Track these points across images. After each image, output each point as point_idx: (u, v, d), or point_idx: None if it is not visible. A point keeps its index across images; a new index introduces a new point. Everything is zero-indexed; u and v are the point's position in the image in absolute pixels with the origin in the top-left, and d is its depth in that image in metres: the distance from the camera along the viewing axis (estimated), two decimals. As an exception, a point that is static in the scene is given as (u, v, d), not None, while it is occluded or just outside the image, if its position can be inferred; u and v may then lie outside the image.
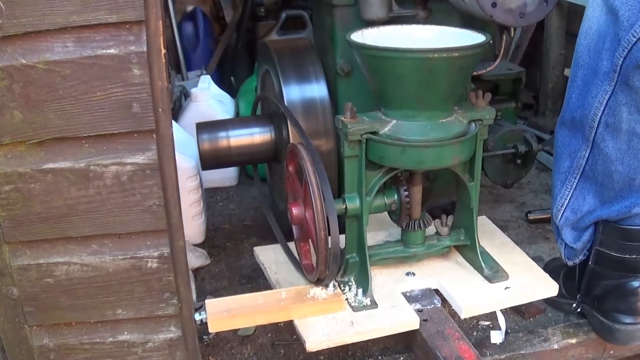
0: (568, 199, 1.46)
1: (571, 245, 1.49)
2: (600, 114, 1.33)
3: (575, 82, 1.40)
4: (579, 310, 1.55)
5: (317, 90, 1.71)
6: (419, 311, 1.43)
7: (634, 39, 1.23)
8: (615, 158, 1.35)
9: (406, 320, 1.39)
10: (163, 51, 1.00)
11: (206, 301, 1.37)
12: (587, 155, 1.40)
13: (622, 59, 1.26)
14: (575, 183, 1.44)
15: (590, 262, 1.48)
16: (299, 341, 1.38)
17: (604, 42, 1.30)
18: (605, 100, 1.31)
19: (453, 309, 1.48)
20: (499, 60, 1.58)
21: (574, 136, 1.42)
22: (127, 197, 1.07)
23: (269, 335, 1.63)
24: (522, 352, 1.47)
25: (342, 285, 1.45)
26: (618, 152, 1.34)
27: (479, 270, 1.52)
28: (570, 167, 1.44)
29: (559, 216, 1.48)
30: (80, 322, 1.17)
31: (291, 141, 1.66)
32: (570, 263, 1.53)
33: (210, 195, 2.33)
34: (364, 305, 1.41)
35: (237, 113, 2.45)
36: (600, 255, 1.46)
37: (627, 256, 1.43)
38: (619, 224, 1.42)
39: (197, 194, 1.95)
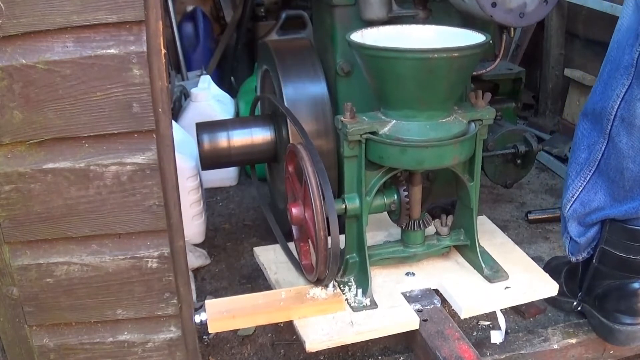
0: (580, 190, 1.46)
1: (575, 239, 1.49)
2: (617, 107, 1.34)
3: (602, 75, 1.41)
4: (579, 309, 1.55)
5: (317, 90, 1.71)
6: (418, 311, 1.43)
7: None
8: (628, 155, 1.35)
9: (406, 320, 1.39)
10: (163, 51, 1.00)
11: (206, 301, 1.37)
12: (603, 149, 1.40)
13: (637, 53, 1.27)
14: (589, 176, 1.44)
15: (594, 261, 1.48)
16: (299, 341, 1.38)
17: (628, 38, 1.31)
18: (622, 94, 1.32)
19: (453, 309, 1.48)
20: (499, 60, 1.58)
21: (594, 128, 1.43)
22: (127, 197, 1.07)
23: (269, 335, 1.63)
24: (522, 352, 1.47)
25: (341, 286, 1.45)
26: (631, 149, 1.34)
27: (479, 270, 1.52)
28: (588, 159, 1.44)
29: (568, 207, 1.48)
30: (80, 322, 1.17)
31: (291, 141, 1.66)
32: (573, 259, 1.53)
33: (210, 195, 2.33)
34: (363, 306, 1.41)
35: (237, 113, 2.45)
36: (605, 253, 1.46)
37: (631, 257, 1.43)
38: (626, 224, 1.42)
39: (197, 194, 1.95)
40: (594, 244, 1.49)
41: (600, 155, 1.41)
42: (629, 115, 1.33)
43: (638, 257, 1.42)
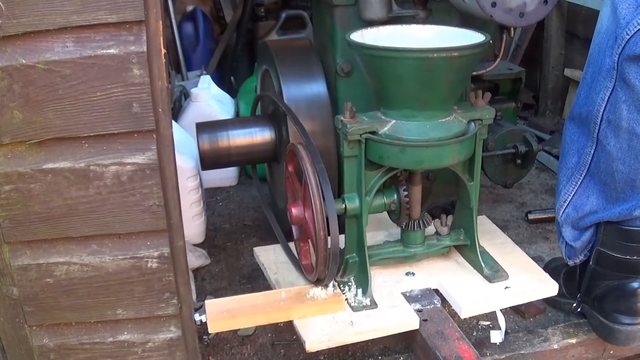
0: (572, 195, 1.46)
1: (571, 243, 1.49)
2: (602, 110, 1.34)
3: (585, 79, 1.42)
4: (579, 310, 1.55)
5: (317, 90, 1.71)
6: (418, 311, 1.43)
7: (627, 37, 1.24)
8: (617, 157, 1.35)
9: (406, 320, 1.39)
10: (163, 51, 1.00)
11: (206, 301, 1.38)
12: (592, 152, 1.40)
13: (617, 56, 1.28)
14: (580, 180, 1.44)
15: (591, 262, 1.48)
16: (299, 341, 1.38)
17: (608, 40, 1.32)
18: (607, 97, 1.33)
19: (453, 309, 1.48)
20: (499, 60, 1.58)
21: (582, 132, 1.43)
22: (127, 197, 1.07)
23: (269, 335, 1.63)
24: (522, 352, 1.47)
25: (341, 286, 1.45)
26: (619, 151, 1.35)
27: (479, 270, 1.52)
28: (578, 163, 1.44)
29: (561, 212, 1.48)
30: (80, 322, 1.17)
31: (291, 141, 1.66)
32: (570, 262, 1.53)
33: (210, 195, 2.33)
34: (363, 306, 1.41)
35: (237, 113, 2.45)
36: (601, 255, 1.46)
37: (627, 257, 1.43)
38: (620, 225, 1.42)
39: (197, 194, 1.95)
40: (589, 247, 1.49)
41: (590, 158, 1.41)
42: (615, 118, 1.33)
43: (635, 257, 1.42)
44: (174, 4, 3.06)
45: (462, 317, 1.45)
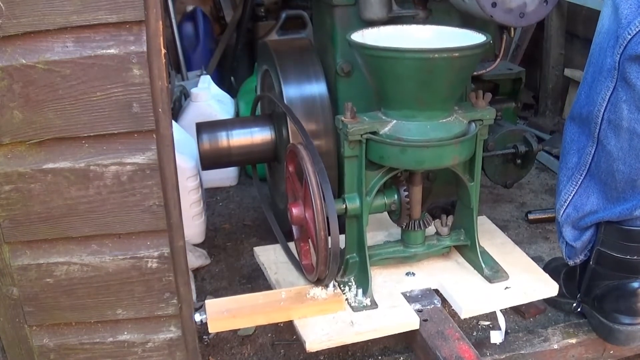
0: (572, 195, 1.46)
1: (571, 243, 1.50)
2: (603, 110, 1.34)
3: (585, 79, 1.42)
4: (579, 310, 1.55)
5: (317, 90, 1.70)
6: (418, 311, 1.43)
7: (629, 37, 1.25)
8: (617, 157, 1.35)
9: (406, 320, 1.39)
10: (163, 51, 1.00)
11: (206, 301, 1.37)
12: (593, 152, 1.40)
13: (619, 56, 1.28)
14: (581, 180, 1.44)
15: (591, 262, 1.49)
16: (299, 341, 1.38)
17: (609, 40, 1.32)
18: (608, 97, 1.33)
19: (453, 309, 1.48)
20: (499, 60, 1.58)
21: (582, 132, 1.43)
22: (127, 197, 1.07)
23: (269, 335, 1.63)
24: (522, 352, 1.47)
25: (342, 286, 1.45)
26: (620, 151, 1.35)
27: (479, 270, 1.52)
28: (578, 163, 1.44)
29: (561, 212, 1.48)
30: (80, 322, 1.17)
31: (291, 141, 1.66)
32: (571, 262, 1.53)
33: (210, 195, 2.33)
34: (364, 306, 1.41)
35: (237, 113, 2.45)
36: (601, 255, 1.46)
37: (628, 257, 1.43)
38: (621, 225, 1.42)
39: (197, 194, 1.95)
40: (590, 247, 1.49)
41: (590, 158, 1.41)
42: (615, 118, 1.33)
43: (635, 257, 1.42)
44: (174, 4, 3.06)
45: (462, 317, 1.45)
